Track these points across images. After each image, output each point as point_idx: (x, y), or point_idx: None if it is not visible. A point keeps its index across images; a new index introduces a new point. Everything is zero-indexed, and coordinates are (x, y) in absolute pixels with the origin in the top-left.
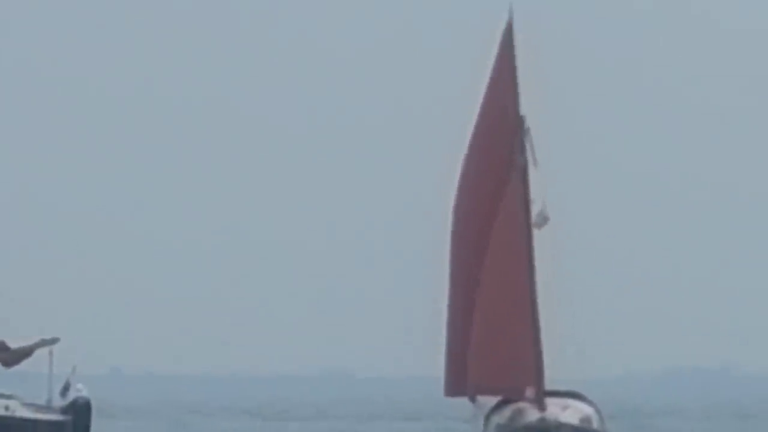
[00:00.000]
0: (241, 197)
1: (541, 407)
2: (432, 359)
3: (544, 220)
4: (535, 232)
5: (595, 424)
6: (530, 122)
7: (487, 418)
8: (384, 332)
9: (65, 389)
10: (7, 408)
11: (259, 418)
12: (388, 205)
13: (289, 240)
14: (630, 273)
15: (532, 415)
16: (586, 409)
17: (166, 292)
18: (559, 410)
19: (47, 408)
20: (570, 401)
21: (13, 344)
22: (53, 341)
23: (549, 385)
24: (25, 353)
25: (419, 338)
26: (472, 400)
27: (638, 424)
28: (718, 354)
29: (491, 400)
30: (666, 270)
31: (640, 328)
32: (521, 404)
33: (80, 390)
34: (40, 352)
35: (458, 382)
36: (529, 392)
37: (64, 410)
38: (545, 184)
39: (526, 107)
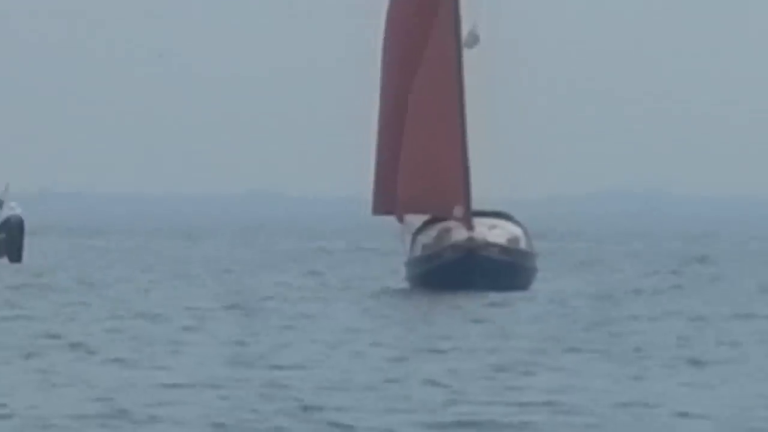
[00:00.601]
0: (173, 17)
1: (469, 226)
2: (363, 179)
3: (474, 39)
4: (466, 52)
5: (523, 244)
6: None
7: (414, 237)
8: (315, 152)
9: None
10: None
11: (187, 237)
12: (318, 23)
13: (218, 57)
14: (561, 92)
15: (460, 234)
16: (513, 230)
17: (96, 112)
18: (487, 230)
19: None
20: (498, 221)
21: None
22: None
23: (477, 205)
24: None
25: (351, 158)
26: (400, 219)
27: (567, 246)
28: (650, 175)
29: (418, 220)
30: (598, 89)
31: (571, 149)
32: (449, 223)
33: (13, 208)
34: None
35: (386, 201)
36: (457, 211)
37: None
38: (476, 4)
39: None
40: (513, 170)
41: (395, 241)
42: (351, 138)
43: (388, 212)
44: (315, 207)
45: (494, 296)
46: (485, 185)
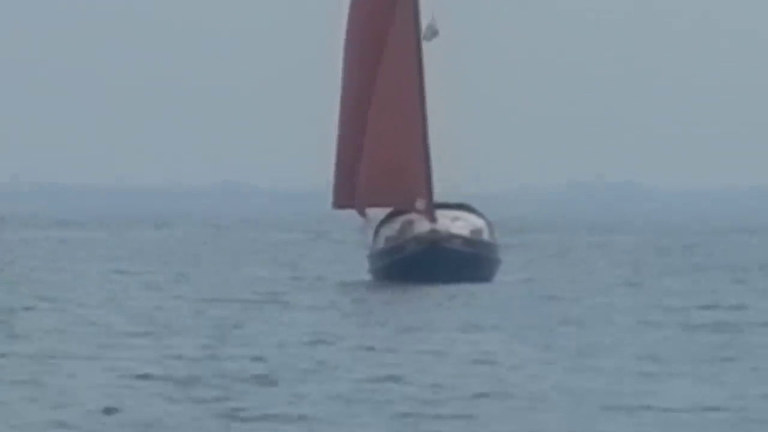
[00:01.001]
0: (143, 13)
1: (432, 219)
2: (329, 172)
3: (433, 33)
4: (425, 44)
5: (486, 236)
6: None
7: (377, 230)
8: (287, 144)
9: None
10: None
11: (156, 228)
12: (284, 18)
13: (190, 52)
14: (529, 84)
15: (423, 226)
16: (476, 222)
17: (65, 103)
18: (450, 222)
19: None
20: (460, 213)
21: None
22: None
23: (444, 197)
24: None
25: (320, 151)
26: (361, 213)
27: (533, 238)
28: (622, 167)
29: (381, 213)
30: (569, 79)
31: (541, 140)
32: (411, 216)
33: None
34: None
35: (347, 194)
36: (420, 203)
37: None
38: None
39: None
40: (480, 162)
41: (358, 234)
42: (318, 131)
43: (349, 206)
44: (285, 199)
45: (457, 288)
46: (452, 178)
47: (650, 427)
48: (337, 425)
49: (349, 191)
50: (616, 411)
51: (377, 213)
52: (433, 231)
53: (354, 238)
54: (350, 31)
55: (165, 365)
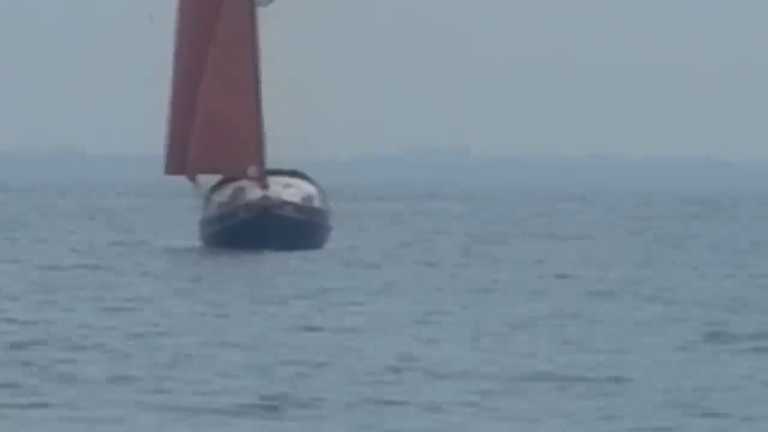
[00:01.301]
0: None
1: (263, 186)
2: (160, 137)
3: None
4: (261, 10)
5: (317, 203)
6: None
7: (209, 196)
8: (114, 108)
9: None
10: None
11: None
12: None
13: (25, 13)
14: (365, 50)
15: (254, 193)
16: (308, 188)
17: None
18: (281, 189)
19: None
20: (292, 180)
21: None
22: None
23: (277, 165)
24: None
25: (154, 115)
26: (192, 179)
27: (368, 207)
28: (456, 136)
29: (212, 180)
30: (403, 45)
31: (374, 108)
32: (243, 183)
33: None
34: None
35: (179, 161)
36: (252, 171)
37: None
38: None
39: None
40: (315, 129)
41: (192, 200)
42: (152, 94)
43: (181, 172)
44: (119, 164)
45: (287, 255)
46: (286, 146)
47: (472, 395)
48: (158, 385)
49: (181, 158)
50: (443, 377)
51: (208, 179)
52: (265, 198)
53: (187, 204)
54: (182, 4)
55: None
